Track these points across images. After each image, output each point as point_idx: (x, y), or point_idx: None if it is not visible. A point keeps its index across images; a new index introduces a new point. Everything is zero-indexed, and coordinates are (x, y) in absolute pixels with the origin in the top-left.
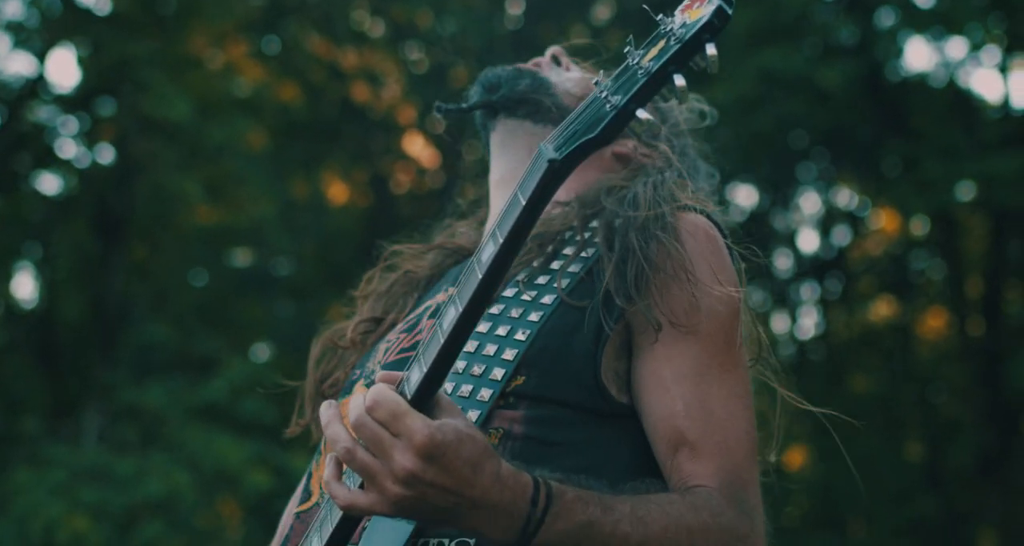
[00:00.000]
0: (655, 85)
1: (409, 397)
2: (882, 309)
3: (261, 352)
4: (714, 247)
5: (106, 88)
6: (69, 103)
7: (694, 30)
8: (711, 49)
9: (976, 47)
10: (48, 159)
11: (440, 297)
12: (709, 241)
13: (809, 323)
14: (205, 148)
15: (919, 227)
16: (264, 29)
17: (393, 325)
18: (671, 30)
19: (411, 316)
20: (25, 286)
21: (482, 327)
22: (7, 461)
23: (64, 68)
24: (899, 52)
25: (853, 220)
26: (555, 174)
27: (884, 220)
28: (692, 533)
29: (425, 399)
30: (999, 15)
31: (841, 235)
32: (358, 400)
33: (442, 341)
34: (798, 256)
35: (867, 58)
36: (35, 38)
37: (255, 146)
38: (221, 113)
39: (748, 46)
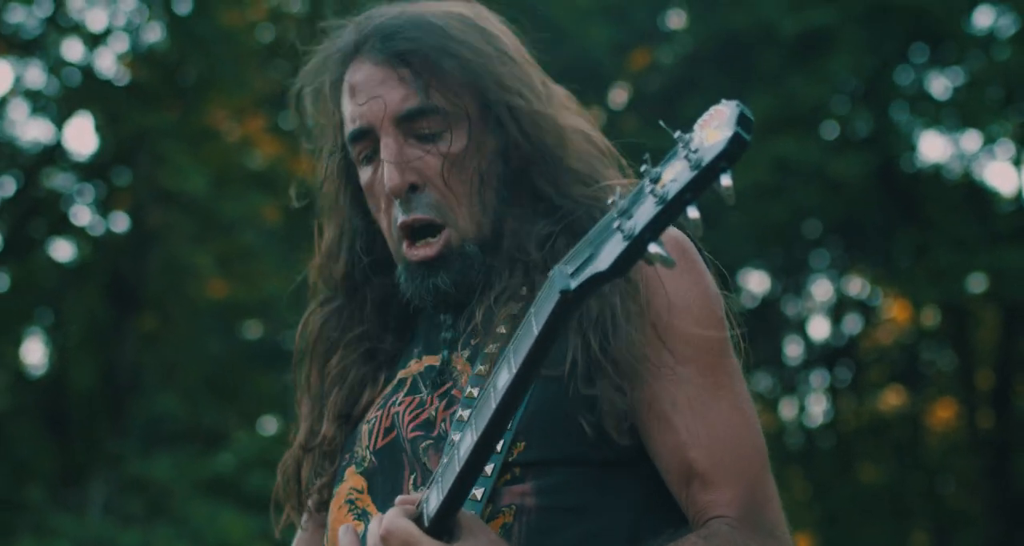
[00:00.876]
0: (670, 215)
1: (428, 521)
2: (892, 398)
3: (269, 425)
4: (685, 263)
5: (123, 158)
6: (85, 171)
7: (710, 159)
8: (726, 180)
9: (991, 140)
10: (63, 226)
11: (414, 367)
12: (680, 259)
13: (818, 411)
14: (219, 221)
15: (930, 318)
16: (282, 103)
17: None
18: (688, 149)
19: (387, 391)
20: (35, 352)
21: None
22: (12, 529)
23: (82, 136)
24: (914, 144)
25: (864, 309)
26: (568, 305)
27: (895, 310)
28: None
29: (445, 521)
30: (1015, 109)
31: (852, 323)
32: (374, 527)
33: (458, 469)
34: (808, 343)
35: (882, 149)
36: (53, 106)
37: (269, 220)
38: (236, 186)
39: (763, 134)
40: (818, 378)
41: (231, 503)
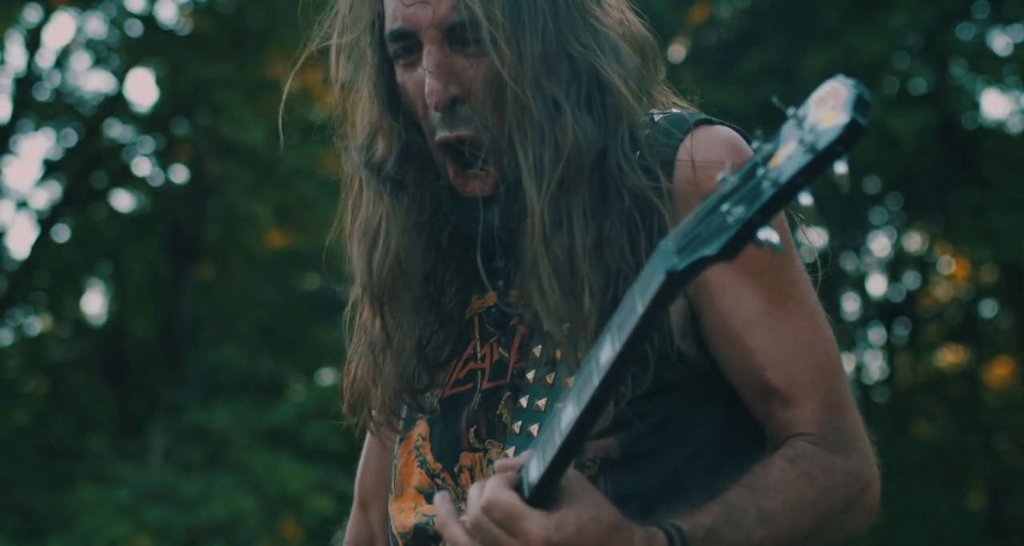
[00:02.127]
0: (781, 200)
1: (528, 492)
2: (949, 356)
3: (326, 376)
4: (738, 155)
5: (182, 109)
6: (146, 122)
7: (825, 143)
8: (841, 167)
9: None
10: (123, 177)
11: (476, 304)
12: (733, 156)
13: (875, 367)
14: (278, 172)
15: (988, 275)
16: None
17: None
18: (803, 129)
19: (457, 333)
20: (95, 303)
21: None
22: (73, 477)
23: (142, 87)
24: (974, 101)
25: (923, 266)
26: (674, 285)
27: (954, 267)
28: (816, 505)
29: (545, 491)
30: None
31: (910, 280)
32: (474, 495)
33: (559, 442)
34: (866, 300)
35: (942, 105)
36: (115, 57)
37: (328, 171)
38: (295, 137)
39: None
40: (875, 334)
41: (290, 453)
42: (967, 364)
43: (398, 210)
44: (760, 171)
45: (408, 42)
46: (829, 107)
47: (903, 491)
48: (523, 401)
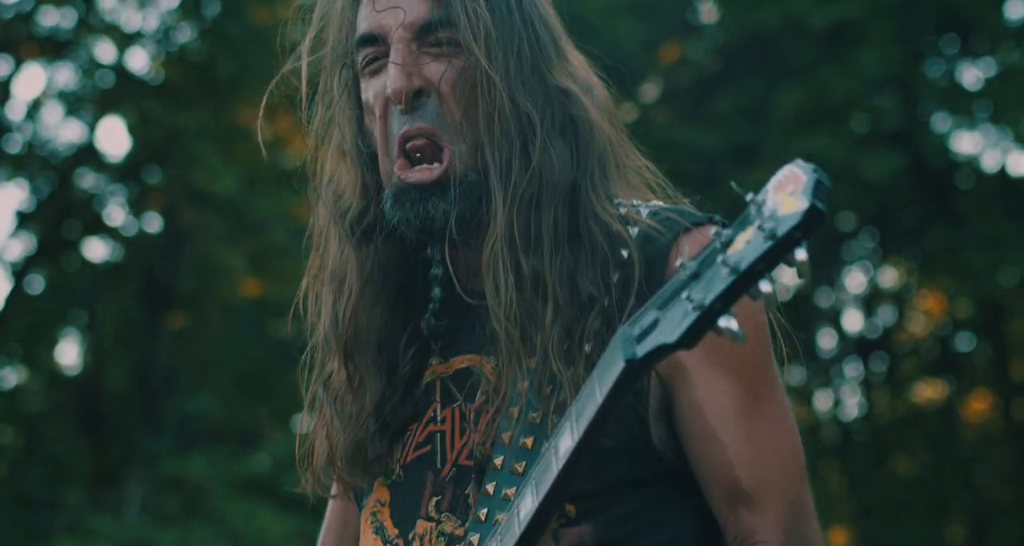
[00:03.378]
0: (741, 288)
1: None
2: (926, 391)
3: (303, 423)
4: None
5: (155, 158)
6: (118, 171)
7: (785, 230)
8: (801, 254)
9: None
10: (96, 227)
11: (439, 368)
12: None
13: (853, 403)
14: (251, 220)
15: (964, 309)
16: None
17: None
18: (761, 216)
19: (419, 396)
20: (70, 353)
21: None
22: (50, 529)
23: (114, 136)
24: (945, 137)
25: (898, 300)
26: (633, 373)
27: (929, 301)
28: None
29: None
30: None
31: (886, 315)
32: None
33: (519, 532)
34: (842, 335)
35: (914, 142)
36: (87, 106)
37: (301, 218)
38: (268, 185)
39: (794, 128)
40: (852, 370)
41: (268, 502)
42: (945, 398)
43: (361, 261)
44: (719, 257)
45: (376, 48)
46: (788, 192)
47: (884, 527)
48: (490, 487)
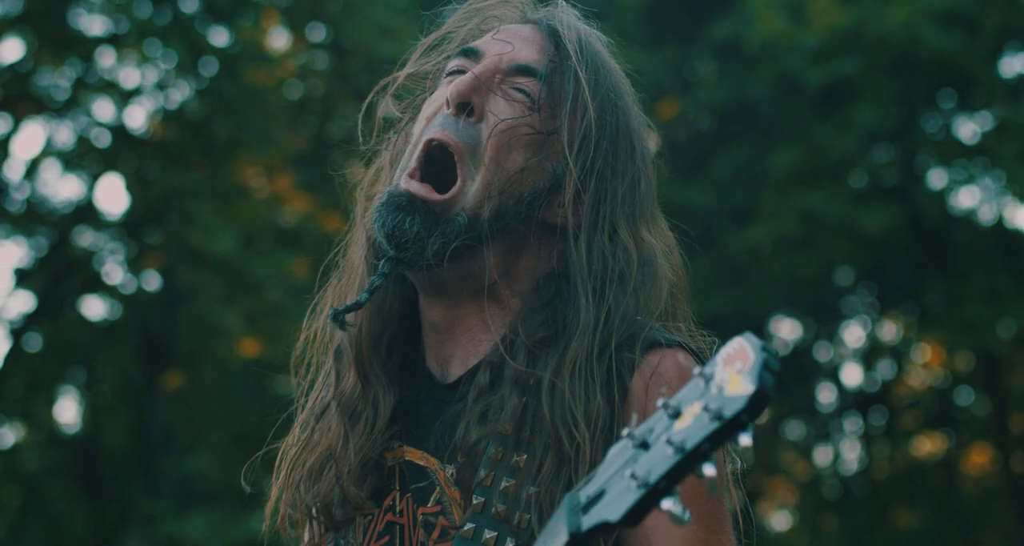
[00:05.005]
0: (686, 469)
1: None
2: (926, 444)
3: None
4: None
5: (153, 216)
6: (117, 230)
7: (731, 413)
8: (746, 440)
9: (1019, 188)
10: (95, 284)
11: (402, 453)
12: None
13: (852, 457)
14: (248, 279)
15: (963, 363)
16: (311, 161)
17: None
18: (709, 392)
19: (379, 483)
20: (68, 411)
21: None
22: None
23: (113, 195)
24: (943, 192)
25: (897, 354)
26: (578, 544)
27: (928, 355)
28: None
29: None
30: None
31: (885, 369)
32: None
33: None
34: (841, 390)
35: (911, 197)
36: (85, 164)
37: (298, 277)
38: (265, 243)
39: (790, 186)
40: (852, 424)
41: None
42: (945, 452)
43: (363, 327)
44: (665, 433)
45: (469, 62)
46: (736, 369)
47: None
48: None
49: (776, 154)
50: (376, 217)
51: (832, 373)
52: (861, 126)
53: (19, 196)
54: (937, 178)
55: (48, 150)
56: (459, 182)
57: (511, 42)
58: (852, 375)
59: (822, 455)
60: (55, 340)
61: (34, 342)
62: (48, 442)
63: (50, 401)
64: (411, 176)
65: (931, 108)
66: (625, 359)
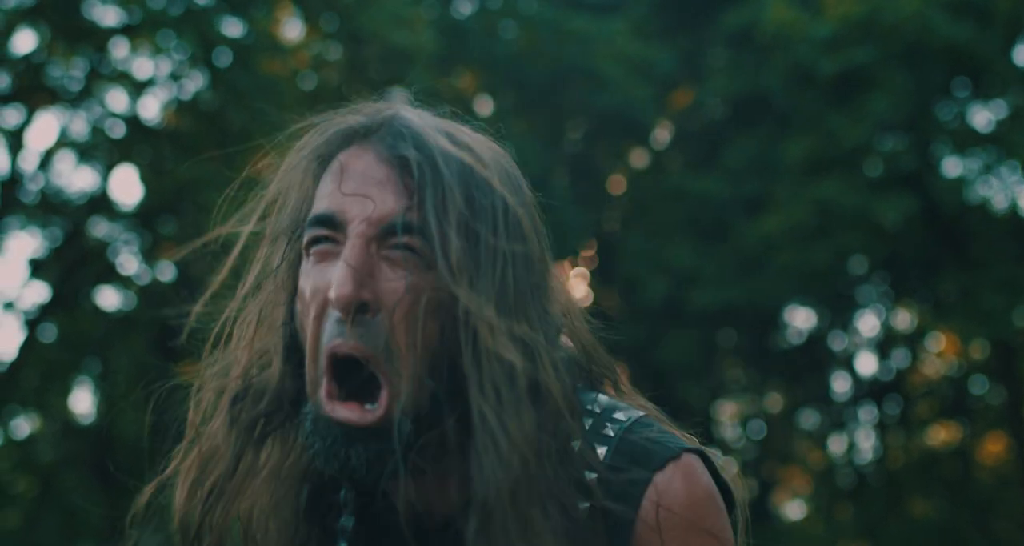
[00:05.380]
0: None
1: None
2: (941, 433)
3: None
4: (711, 518)
5: (167, 206)
6: (131, 220)
7: None
8: None
9: None
10: (110, 275)
11: None
12: (704, 513)
13: (867, 446)
14: None
15: (978, 351)
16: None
17: None
18: None
19: None
20: (84, 401)
21: None
22: None
23: (127, 185)
24: (958, 180)
25: (912, 343)
26: None
27: (943, 344)
28: None
29: None
30: None
31: (900, 358)
32: None
33: None
34: (856, 379)
35: (926, 185)
36: (99, 155)
37: None
38: None
39: (805, 176)
40: (866, 413)
41: None
42: (959, 441)
43: (260, 460)
44: None
45: (330, 231)
46: None
47: None
48: None
49: (789, 143)
50: (314, 452)
51: (847, 362)
52: (875, 115)
53: (34, 187)
54: (952, 167)
55: (62, 141)
56: (384, 390)
57: (367, 195)
58: (867, 364)
59: (837, 444)
60: (70, 331)
61: (49, 333)
62: (63, 432)
63: (65, 391)
64: (330, 396)
65: (945, 96)
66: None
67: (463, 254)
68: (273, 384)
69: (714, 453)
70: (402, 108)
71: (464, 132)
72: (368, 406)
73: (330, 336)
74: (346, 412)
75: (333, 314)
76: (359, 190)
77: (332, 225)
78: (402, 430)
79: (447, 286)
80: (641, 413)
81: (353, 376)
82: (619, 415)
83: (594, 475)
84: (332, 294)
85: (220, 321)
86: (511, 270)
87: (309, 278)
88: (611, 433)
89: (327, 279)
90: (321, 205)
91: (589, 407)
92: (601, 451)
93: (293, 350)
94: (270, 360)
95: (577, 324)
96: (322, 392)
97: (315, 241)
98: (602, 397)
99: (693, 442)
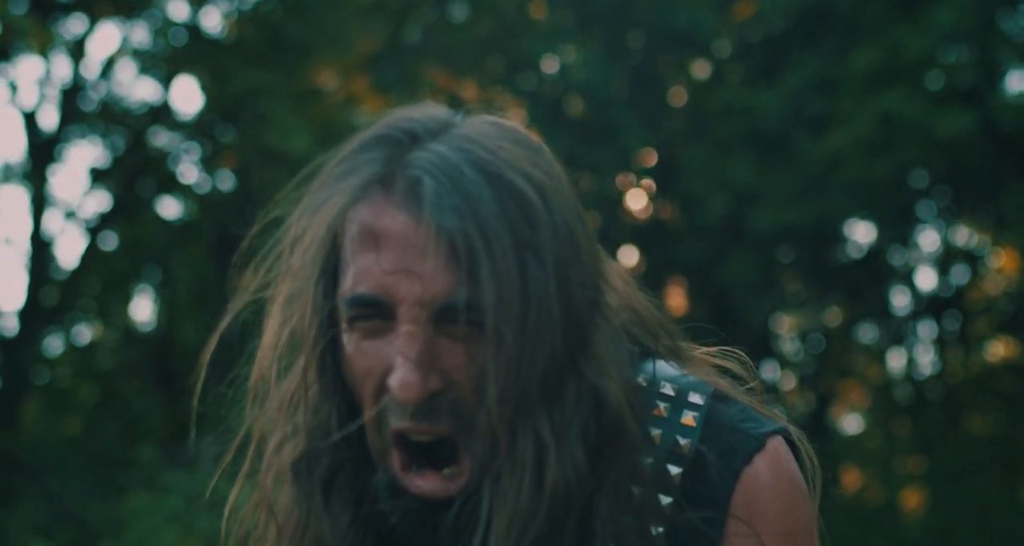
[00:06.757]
0: None
1: None
2: (1000, 349)
3: None
4: (797, 509)
5: (227, 116)
6: (191, 130)
7: None
8: None
9: None
10: (170, 184)
11: None
12: (792, 502)
13: (926, 362)
14: None
15: None
16: (387, 62)
17: None
18: None
19: None
20: (144, 309)
21: None
22: (125, 485)
23: (187, 95)
24: (1022, 94)
25: (972, 259)
26: None
27: (1003, 260)
28: None
29: None
30: None
31: (959, 274)
32: None
33: None
34: (916, 294)
35: (988, 100)
36: (160, 65)
37: None
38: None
39: (868, 88)
40: (925, 329)
41: None
42: (1018, 357)
43: (325, 511)
44: None
45: (377, 312)
46: None
47: (957, 487)
48: None
49: (852, 54)
50: (397, 521)
51: (906, 277)
52: (939, 27)
53: (95, 96)
54: (1016, 81)
55: (123, 50)
56: (464, 457)
57: (412, 271)
58: (926, 279)
59: (895, 359)
60: (131, 239)
61: (110, 241)
62: (124, 340)
63: (126, 299)
64: (405, 468)
65: (1010, 8)
66: None
67: (522, 316)
68: (331, 450)
69: (795, 430)
70: (426, 137)
71: (504, 150)
72: (447, 471)
73: (397, 417)
74: (428, 485)
75: (397, 402)
76: (401, 265)
77: (378, 306)
78: (481, 485)
79: (504, 351)
80: (711, 388)
81: (424, 444)
82: (695, 398)
83: (669, 499)
84: (399, 393)
85: (254, 378)
86: (568, 300)
87: (359, 354)
88: (693, 423)
89: (383, 360)
90: (360, 284)
91: (663, 390)
92: (685, 443)
93: (347, 413)
94: (323, 421)
95: (637, 305)
96: (396, 464)
97: (356, 318)
98: (671, 371)
99: (774, 417)
